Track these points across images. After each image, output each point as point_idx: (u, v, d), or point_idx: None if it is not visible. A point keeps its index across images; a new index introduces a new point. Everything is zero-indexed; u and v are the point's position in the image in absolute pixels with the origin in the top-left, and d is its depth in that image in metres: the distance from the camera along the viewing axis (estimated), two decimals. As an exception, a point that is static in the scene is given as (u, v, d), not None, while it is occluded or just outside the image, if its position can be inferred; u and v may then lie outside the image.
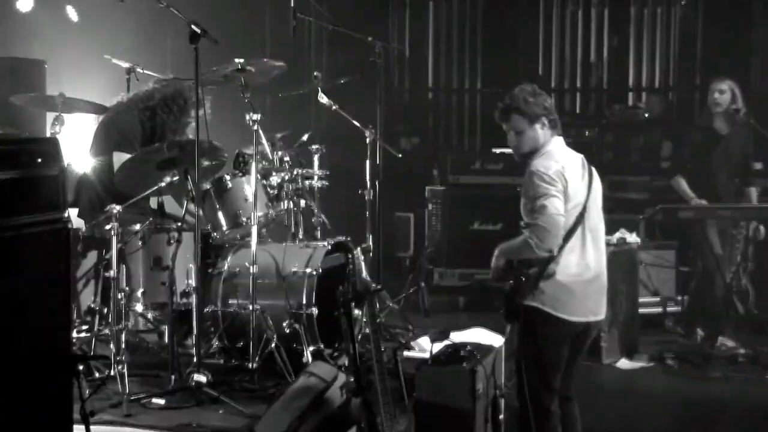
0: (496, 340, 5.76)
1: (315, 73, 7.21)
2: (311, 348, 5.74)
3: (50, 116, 6.31)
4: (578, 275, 4.50)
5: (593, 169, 4.72)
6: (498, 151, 10.03)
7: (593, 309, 4.55)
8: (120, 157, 5.92)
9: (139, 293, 5.69)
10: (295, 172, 6.43)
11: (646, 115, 9.85)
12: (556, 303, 4.46)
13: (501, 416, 5.38)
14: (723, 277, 7.41)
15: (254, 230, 5.80)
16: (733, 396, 6.31)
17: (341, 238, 6.30)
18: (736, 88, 7.53)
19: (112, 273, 5.43)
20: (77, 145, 6.51)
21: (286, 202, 6.29)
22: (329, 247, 6.08)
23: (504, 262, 4.65)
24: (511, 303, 4.58)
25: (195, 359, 5.39)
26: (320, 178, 6.71)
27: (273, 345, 5.61)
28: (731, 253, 7.65)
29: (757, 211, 7.69)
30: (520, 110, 4.68)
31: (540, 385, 4.50)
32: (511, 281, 4.61)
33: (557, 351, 4.51)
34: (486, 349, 5.41)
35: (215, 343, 5.91)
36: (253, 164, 5.87)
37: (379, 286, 5.81)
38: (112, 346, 5.41)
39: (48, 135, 6.24)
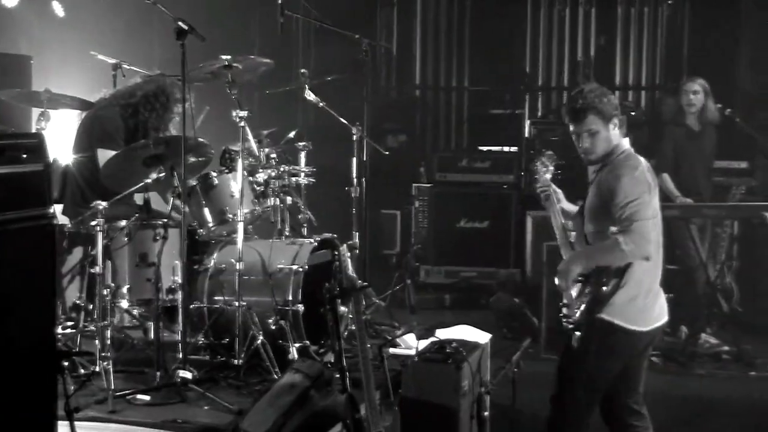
0: (481, 337, 5.78)
1: (302, 71, 7.21)
2: (297, 345, 5.74)
3: (36, 112, 6.29)
4: (649, 285, 4.36)
5: None
6: (485, 148, 10.07)
7: (659, 315, 4.43)
8: (104, 154, 5.91)
9: (124, 289, 5.68)
10: (281, 169, 6.43)
11: (633, 113, 9.86)
12: (628, 315, 4.29)
13: (486, 413, 5.40)
14: (706, 275, 7.45)
15: (240, 227, 5.80)
16: (717, 393, 6.35)
17: (327, 235, 6.29)
18: (707, 86, 7.64)
19: (97, 269, 5.41)
20: (62, 141, 6.49)
21: (272, 198, 6.28)
22: (315, 244, 6.08)
23: (579, 271, 4.37)
24: (590, 315, 4.30)
25: (181, 355, 5.38)
26: (307, 175, 6.71)
27: (259, 341, 5.61)
28: (716, 250, 7.71)
29: (741, 209, 7.73)
30: (597, 109, 4.36)
31: (587, 398, 4.40)
32: (586, 291, 4.34)
33: (616, 365, 4.38)
34: (472, 346, 5.43)
35: (201, 339, 5.90)
36: (240, 161, 5.87)
37: (365, 283, 5.81)
38: (97, 342, 5.39)
39: (33, 131, 6.22)
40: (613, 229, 4.27)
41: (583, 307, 4.30)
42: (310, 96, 7.11)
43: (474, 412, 5.23)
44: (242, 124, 5.93)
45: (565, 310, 4.40)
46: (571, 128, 4.44)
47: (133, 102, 6.13)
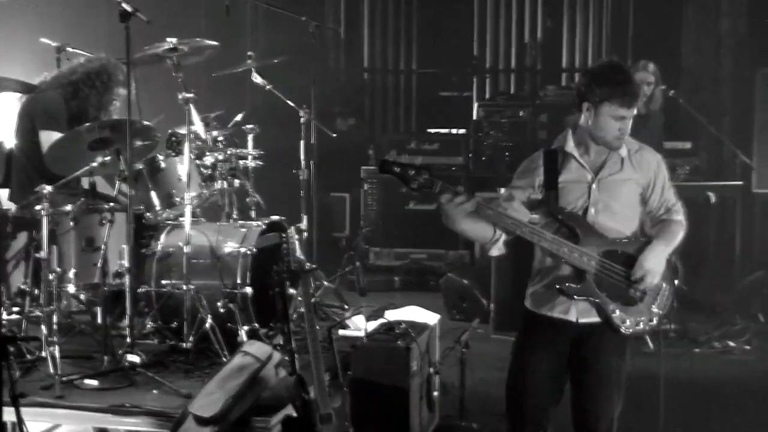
0: (430, 318, 5.81)
1: (249, 53, 7.17)
2: (246, 327, 5.72)
3: (-25, 96, 6.21)
4: None
5: None
6: (433, 131, 10.10)
7: None
8: (48, 136, 5.84)
9: (71, 274, 5.62)
10: (229, 152, 6.40)
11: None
12: None
13: (435, 393, 5.44)
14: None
15: (188, 210, 5.77)
16: (662, 369, 6.44)
17: (276, 218, 6.29)
18: (658, 73, 7.70)
19: (42, 254, 5.36)
20: (6, 124, 6.40)
21: (220, 182, 6.25)
22: (264, 227, 6.07)
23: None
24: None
25: (129, 339, 5.35)
26: (254, 158, 6.68)
27: (207, 325, 5.59)
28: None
29: (685, 189, 7.82)
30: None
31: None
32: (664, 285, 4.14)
33: None
34: (421, 327, 5.46)
35: (149, 323, 5.87)
36: (187, 144, 5.83)
37: (313, 266, 5.83)
38: (43, 327, 5.34)
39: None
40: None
41: (669, 302, 4.17)
42: (257, 79, 7.09)
43: (423, 393, 5.27)
44: (188, 106, 5.89)
45: (630, 312, 4.06)
46: (619, 113, 3.99)
47: (74, 79, 6.06)
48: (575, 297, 4.00)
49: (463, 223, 3.96)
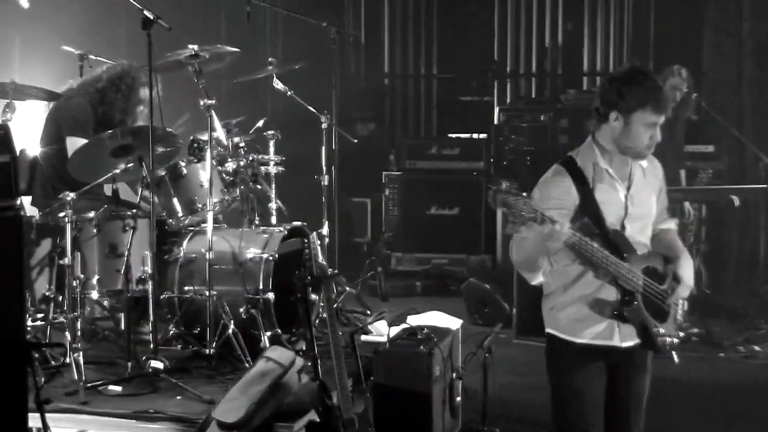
0: (453, 323, 5.80)
1: (269, 59, 7.19)
2: (268, 333, 5.73)
3: (1, 103, 6.24)
4: None
5: None
6: (454, 136, 10.09)
7: None
8: (74, 142, 5.88)
9: (94, 281, 5.64)
10: (250, 158, 6.42)
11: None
12: None
13: (458, 399, 5.43)
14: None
15: (210, 216, 5.78)
16: (686, 375, 6.40)
17: (297, 224, 6.29)
18: (691, 78, 7.64)
19: (66, 260, 5.38)
20: (29, 132, 6.44)
21: (241, 188, 6.27)
22: (285, 233, 6.08)
23: None
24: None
25: (152, 346, 5.37)
26: (276, 164, 6.69)
27: (230, 330, 5.60)
28: (684, 234, 7.76)
29: (708, 193, 7.81)
30: None
31: None
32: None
33: None
34: (443, 332, 5.45)
35: (172, 329, 5.89)
36: (209, 150, 5.85)
37: (335, 271, 5.83)
38: (67, 333, 5.37)
39: (-1, 122, 6.17)
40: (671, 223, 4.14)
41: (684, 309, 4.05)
42: (278, 85, 7.10)
43: (446, 398, 5.25)
44: (210, 113, 5.91)
45: (663, 328, 3.94)
46: (652, 119, 3.80)
47: (100, 86, 6.12)
48: (628, 320, 3.83)
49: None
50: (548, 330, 3.99)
